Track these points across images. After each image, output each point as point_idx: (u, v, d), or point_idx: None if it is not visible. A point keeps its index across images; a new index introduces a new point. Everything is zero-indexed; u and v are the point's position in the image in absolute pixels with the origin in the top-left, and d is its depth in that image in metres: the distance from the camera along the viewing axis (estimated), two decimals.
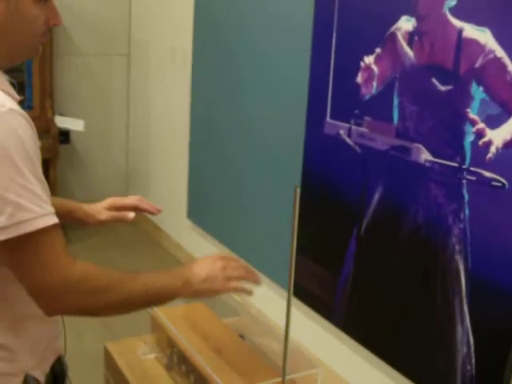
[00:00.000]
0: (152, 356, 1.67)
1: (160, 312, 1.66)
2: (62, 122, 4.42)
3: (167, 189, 4.44)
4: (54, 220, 1.10)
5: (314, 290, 2.88)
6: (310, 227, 2.85)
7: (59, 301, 1.12)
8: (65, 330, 1.41)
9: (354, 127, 2.55)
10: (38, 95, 4.36)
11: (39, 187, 1.08)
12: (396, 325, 2.44)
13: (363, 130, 2.50)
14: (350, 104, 2.55)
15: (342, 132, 2.61)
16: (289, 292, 1.38)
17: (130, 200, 1.61)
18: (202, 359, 1.43)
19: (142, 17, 4.70)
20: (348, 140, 2.58)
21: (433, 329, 2.27)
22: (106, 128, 4.96)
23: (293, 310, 3.00)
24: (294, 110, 2.89)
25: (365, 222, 2.55)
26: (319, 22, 2.70)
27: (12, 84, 1.20)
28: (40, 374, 1.26)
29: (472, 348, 2.13)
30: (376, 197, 2.48)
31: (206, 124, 3.79)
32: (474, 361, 2.12)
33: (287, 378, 1.32)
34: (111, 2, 4.75)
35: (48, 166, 4.29)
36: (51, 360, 1.31)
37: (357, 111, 2.52)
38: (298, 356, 1.49)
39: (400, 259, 2.39)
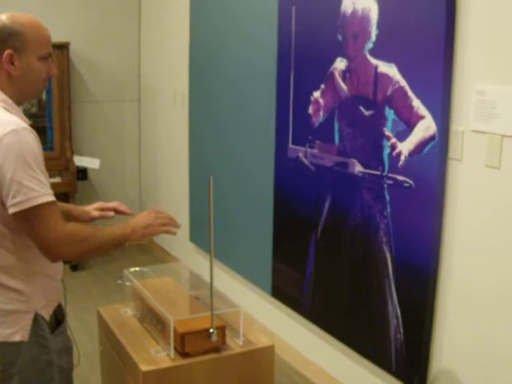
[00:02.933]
0: (131, 314, 2.22)
1: (139, 284, 2.20)
2: (80, 161, 5.03)
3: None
4: (53, 198, 1.68)
5: (287, 289, 3.40)
6: (282, 237, 3.39)
7: (58, 250, 1.68)
8: (65, 291, 1.96)
9: (308, 150, 3.10)
10: (58, 138, 4.99)
11: (43, 177, 1.67)
12: (347, 309, 2.94)
13: (315, 151, 3.05)
14: (305, 131, 3.11)
15: (300, 155, 3.16)
16: (210, 254, 1.94)
17: (112, 204, 2.21)
18: (162, 308, 1.97)
19: (149, 66, 5.35)
20: (305, 161, 3.13)
21: (372, 308, 2.77)
22: (120, 166, 5.59)
23: (271, 307, 3.53)
24: (266, 140, 3.45)
25: (320, 228, 3.08)
26: (281, 68, 3.28)
27: (25, 113, 1.80)
28: (46, 314, 1.82)
29: (400, 319, 2.63)
30: (327, 206, 3.01)
31: (200, 156, 4.37)
32: (402, 330, 2.63)
33: (215, 312, 1.85)
34: (123, 56, 5.42)
35: (68, 199, 4.86)
36: (54, 306, 1.87)
37: (310, 137, 3.08)
38: (228, 304, 2.02)
39: (346, 255, 2.91)
